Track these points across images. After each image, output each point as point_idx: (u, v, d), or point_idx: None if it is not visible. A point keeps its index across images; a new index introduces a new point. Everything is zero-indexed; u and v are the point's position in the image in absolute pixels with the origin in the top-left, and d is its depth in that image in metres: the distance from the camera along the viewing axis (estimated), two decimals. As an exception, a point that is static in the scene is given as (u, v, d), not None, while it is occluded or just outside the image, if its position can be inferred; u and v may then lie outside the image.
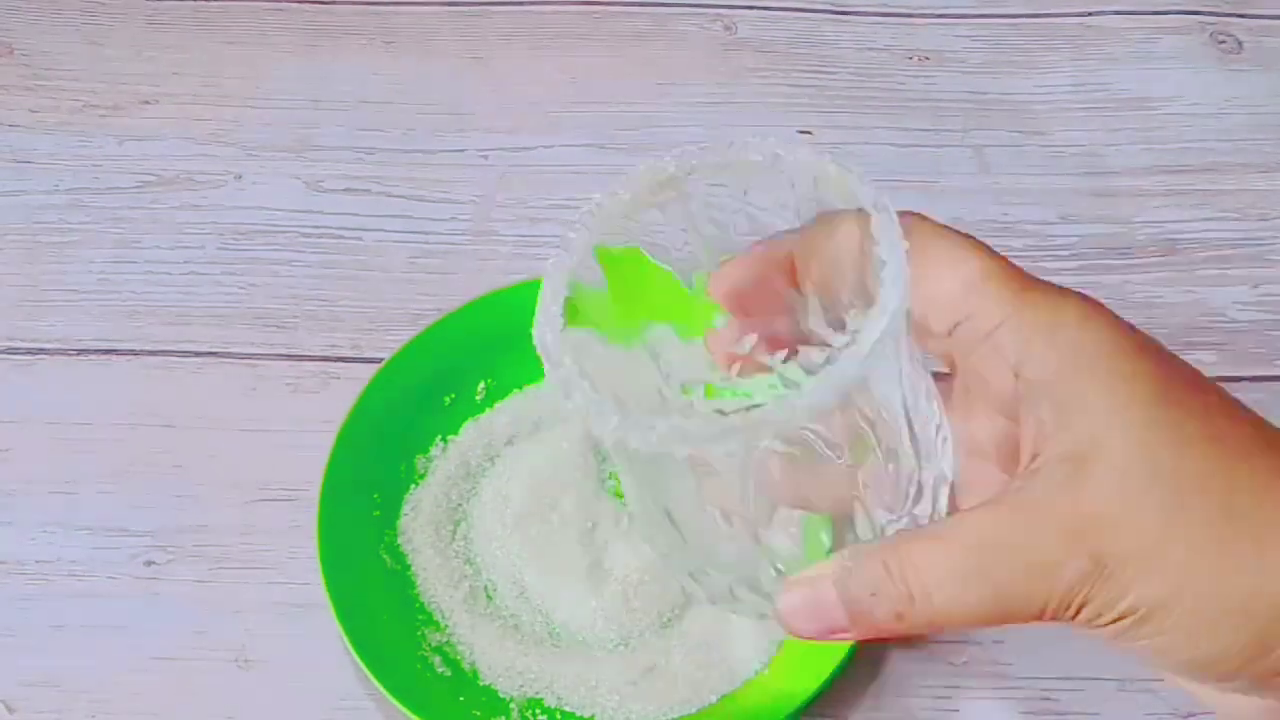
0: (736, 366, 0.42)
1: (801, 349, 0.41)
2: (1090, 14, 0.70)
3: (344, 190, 0.64)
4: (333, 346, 0.59)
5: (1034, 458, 0.36)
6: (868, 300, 0.37)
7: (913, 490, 0.39)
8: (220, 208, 0.63)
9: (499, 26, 0.69)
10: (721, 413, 0.35)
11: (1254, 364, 0.58)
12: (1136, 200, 0.63)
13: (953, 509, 0.39)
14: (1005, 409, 0.38)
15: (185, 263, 0.61)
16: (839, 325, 0.40)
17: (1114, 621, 0.36)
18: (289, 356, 0.59)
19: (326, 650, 0.51)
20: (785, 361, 0.41)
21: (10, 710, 0.50)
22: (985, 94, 0.68)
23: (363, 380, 0.55)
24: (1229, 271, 0.61)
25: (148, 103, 0.66)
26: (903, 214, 0.38)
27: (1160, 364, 0.37)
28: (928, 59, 0.69)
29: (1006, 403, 0.38)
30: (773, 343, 0.41)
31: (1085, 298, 0.38)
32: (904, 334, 0.37)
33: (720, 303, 0.40)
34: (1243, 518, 0.35)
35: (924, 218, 0.39)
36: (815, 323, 0.41)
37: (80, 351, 0.59)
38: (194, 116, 0.66)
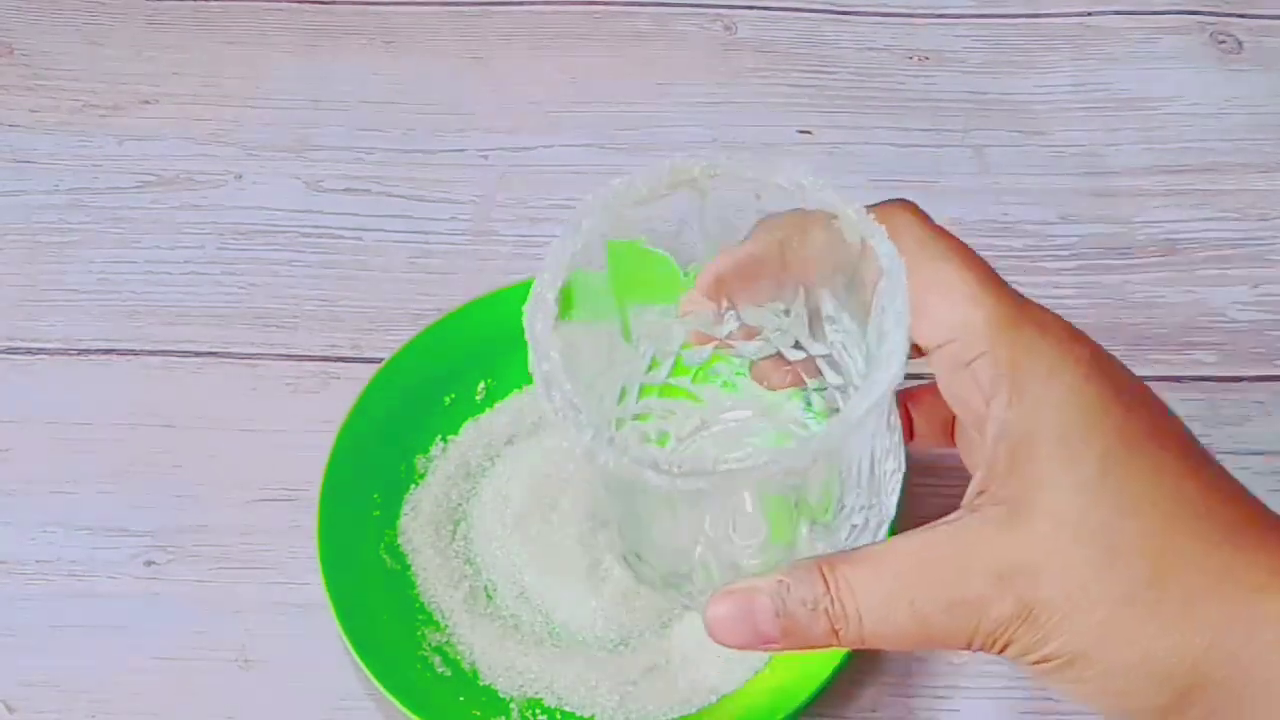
0: (709, 346, 0.43)
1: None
2: (1090, 14, 0.70)
3: (344, 190, 0.64)
4: (333, 346, 0.59)
5: (980, 493, 0.38)
6: (853, 307, 0.40)
7: (858, 524, 0.41)
8: (220, 208, 0.63)
9: (499, 26, 0.69)
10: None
11: (1254, 364, 0.58)
12: (1136, 200, 0.63)
13: None
14: (976, 425, 0.39)
15: (185, 262, 0.61)
16: (815, 319, 0.42)
17: (1037, 663, 0.37)
18: (289, 356, 0.59)
19: (326, 650, 0.51)
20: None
21: (10, 710, 0.50)
22: (985, 94, 0.68)
23: (362, 380, 0.55)
24: (1229, 271, 0.61)
25: (148, 103, 0.66)
26: (892, 204, 0.40)
27: (1125, 416, 0.37)
28: (928, 59, 0.69)
29: (977, 421, 0.39)
30: (746, 332, 0.43)
31: (1066, 334, 0.39)
32: (890, 402, 0.39)
33: (705, 293, 0.42)
34: (1172, 582, 0.36)
35: (916, 214, 0.40)
36: (795, 323, 0.43)
37: (80, 351, 0.59)
38: (194, 116, 0.66)
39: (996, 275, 0.40)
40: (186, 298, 0.60)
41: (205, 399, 0.57)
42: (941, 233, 0.40)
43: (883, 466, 0.41)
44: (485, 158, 0.65)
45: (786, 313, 0.43)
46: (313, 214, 0.63)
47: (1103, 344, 0.57)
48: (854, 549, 0.39)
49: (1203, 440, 0.55)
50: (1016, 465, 0.37)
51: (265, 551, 0.54)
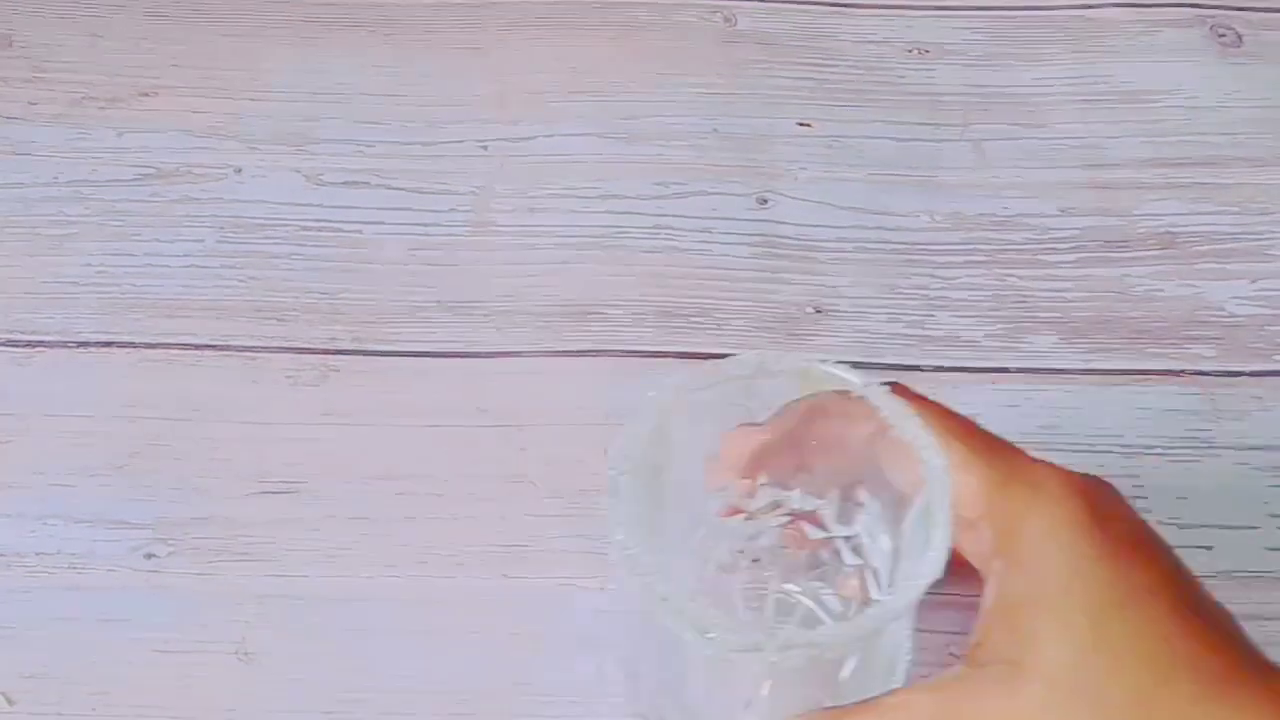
0: (740, 516, 0.47)
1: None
2: (1089, 6, 0.70)
3: (343, 183, 0.63)
4: (333, 339, 0.59)
5: (978, 646, 0.41)
6: (885, 496, 0.44)
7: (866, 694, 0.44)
8: (220, 200, 0.63)
9: (498, 17, 0.69)
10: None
11: (1253, 358, 0.58)
12: (1136, 193, 0.63)
13: None
14: (985, 570, 0.43)
15: (184, 255, 0.61)
16: (846, 503, 0.46)
17: None
18: (289, 349, 0.58)
19: (327, 643, 0.51)
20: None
21: (10, 703, 0.50)
22: (984, 87, 0.68)
23: (363, 372, 0.55)
24: (1228, 266, 0.61)
25: (147, 95, 0.66)
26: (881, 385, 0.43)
27: (1116, 571, 0.40)
28: (927, 52, 0.69)
29: (985, 566, 0.43)
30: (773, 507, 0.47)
31: (1060, 491, 0.42)
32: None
33: (740, 469, 0.46)
34: None
35: (904, 392, 0.43)
36: (827, 505, 0.47)
37: (79, 344, 0.59)
38: (193, 109, 0.66)
39: (988, 437, 0.43)
40: (186, 290, 0.60)
41: (205, 392, 0.57)
42: (928, 404, 0.43)
43: (901, 655, 0.44)
44: (485, 148, 0.65)
45: (820, 495, 0.47)
46: (312, 207, 0.63)
47: (1102, 337, 0.58)
48: (864, 701, 0.41)
49: (1201, 435, 0.56)
50: (1014, 625, 0.40)
51: (265, 544, 0.53)
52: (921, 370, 0.58)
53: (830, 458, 0.45)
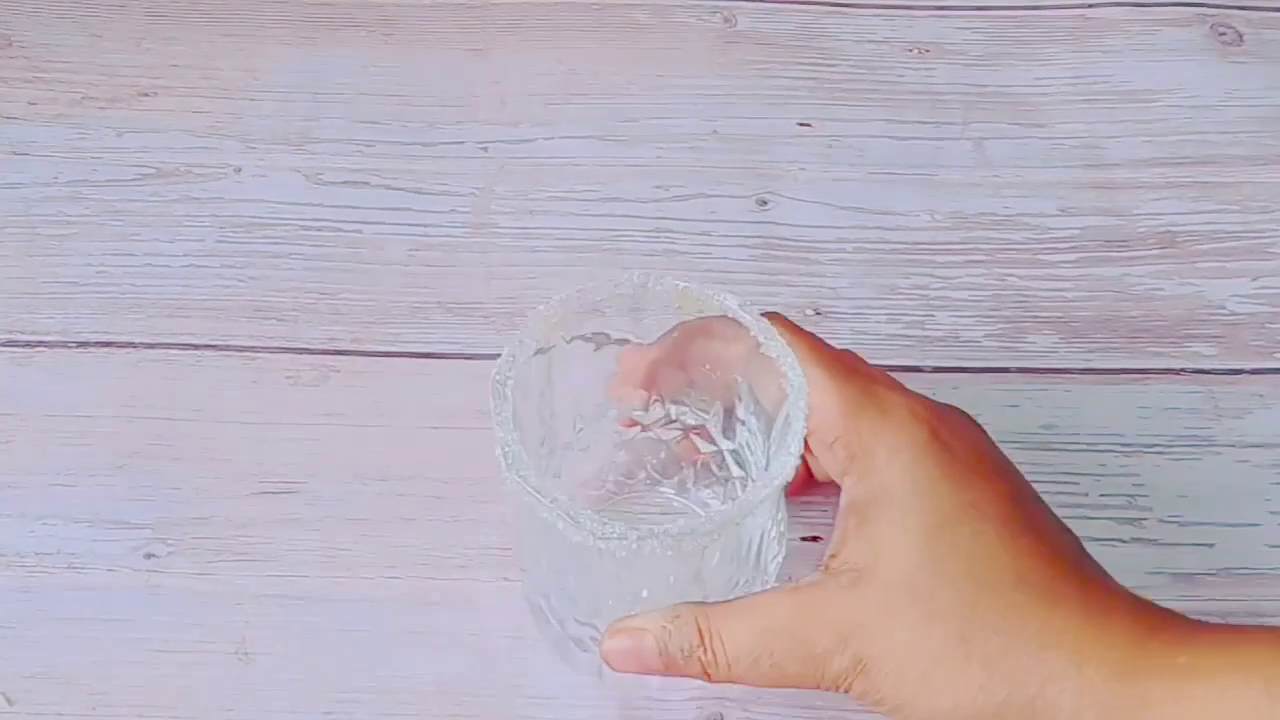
0: (636, 430, 0.51)
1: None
2: (1090, 5, 0.70)
3: (343, 183, 0.63)
4: (332, 339, 0.59)
5: (832, 557, 0.45)
6: (759, 413, 0.48)
7: (738, 590, 0.48)
8: (219, 200, 0.63)
9: (498, 18, 0.69)
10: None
11: (1253, 356, 0.58)
12: (1136, 192, 0.63)
13: None
14: (842, 486, 0.47)
15: (184, 255, 0.61)
16: (729, 419, 0.50)
17: (872, 705, 0.44)
18: (288, 349, 0.58)
19: (325, 642, 0.51)
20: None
21: (10, 703, 0.50)
22: (984, 86, 0.68)
23: (362, 373, 0.55)
24: (1228, 264, 0.61)
25: (146, 95, 0.66)
26: (768, 314, 0.47)
27: (952, 491, 0.45)
28: (927, 51, 0.69)
29: (841, 483, 0.47)
30: (667, 422, 0.51)
31: (907, 417, 0.46)
32: (780, 497, 0.47)
33: (637, 382, 0.50)
34: (976, 643, 0.42)
35: (784, 323, 0.48)
36: (713, 420, 0.51)
37: (79, 344, 0.58)
38: (193, 109, 0.66)
39: (849, 365, 0.48)
40: (186, 291, 0.60)
41: (205, 392, 0.57)
42: (799, 332, 0.48)
43: (768, 550, 0.48)
44: (485, 150, 0.65)
45: (706, 410, 0.51)
46: (312, 207, 0.63)
47: (1103, 336, 0.58)
48: (729, 601, 0.46)
49: (1202, 434, 0.56)
50: (861, 534, 0.44)
51: (265, 544, 0.53)
52: (922, 370, 0.58)
53: (713, 376, 0.49)
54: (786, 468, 0.44)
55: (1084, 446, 0.56)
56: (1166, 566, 0.53)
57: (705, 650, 0.45)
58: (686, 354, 0.49)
